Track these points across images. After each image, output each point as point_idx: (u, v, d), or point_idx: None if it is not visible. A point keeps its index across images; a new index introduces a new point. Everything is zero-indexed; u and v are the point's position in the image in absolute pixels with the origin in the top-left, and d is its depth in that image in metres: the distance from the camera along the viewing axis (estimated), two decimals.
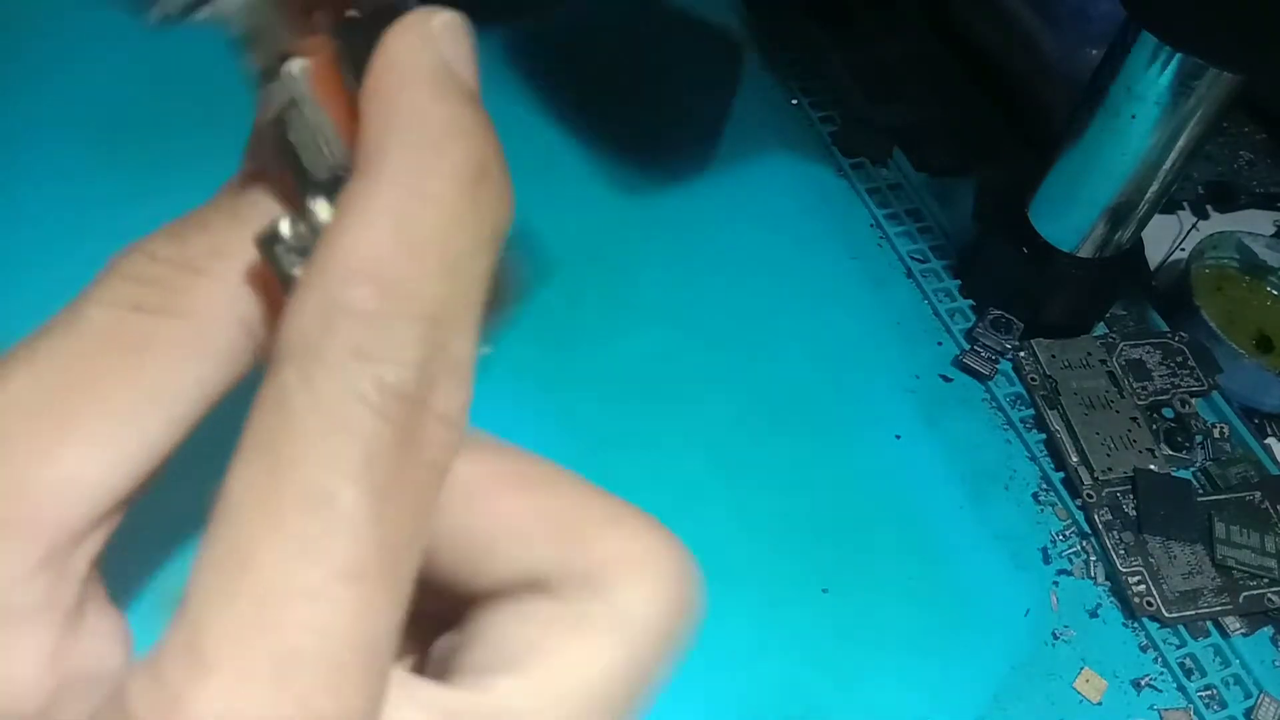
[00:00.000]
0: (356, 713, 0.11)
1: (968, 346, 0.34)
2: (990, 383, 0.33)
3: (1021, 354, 0.34)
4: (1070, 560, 0.30)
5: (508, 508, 0.13)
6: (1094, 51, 0.36)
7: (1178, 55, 0.27)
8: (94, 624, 0.13)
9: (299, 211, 0.13)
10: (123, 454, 0.13)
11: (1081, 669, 0.28)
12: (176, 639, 0.11)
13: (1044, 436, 0.32)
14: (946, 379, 0.34)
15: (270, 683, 0.11)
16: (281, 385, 0.12)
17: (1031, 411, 0.33)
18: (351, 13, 0.13)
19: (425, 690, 0.12)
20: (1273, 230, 0.41)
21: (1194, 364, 0.34)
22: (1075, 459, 0.31)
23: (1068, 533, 0.30)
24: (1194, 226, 0.40)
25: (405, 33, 0.12)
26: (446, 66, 0.12)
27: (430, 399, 0.12)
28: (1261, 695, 0.28)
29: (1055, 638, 0.28)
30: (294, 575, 0.11)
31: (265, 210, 0.14)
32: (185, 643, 0.11)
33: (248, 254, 0.13)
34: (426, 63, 0.12)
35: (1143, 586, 0.29)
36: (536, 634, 0.13)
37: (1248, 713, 0.27)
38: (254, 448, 0.12)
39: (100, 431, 0.13)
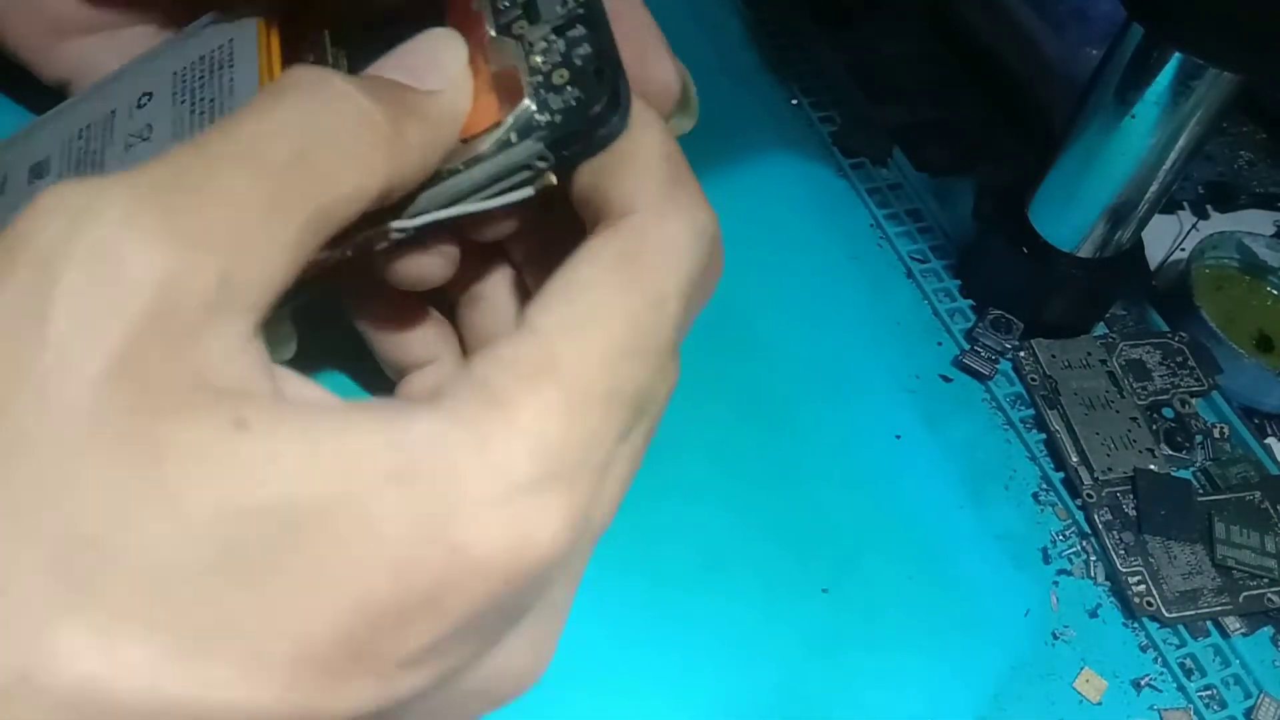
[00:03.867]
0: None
1: (968, 346, 0.34)
2: (990, 383, 0.33)
3: (1021, 354, 0.34)
4: (1070, 560, 0.30)
5: None
6: (1094, 51, 0.36)
7: (1178, 55, 0.27)
8: None
9: None
10: None
11: (1081, 669, 0.28)
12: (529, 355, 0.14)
13: (1044, 436, 0.32)
14: (946, 379, 0.34)
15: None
16: (639, 223, 0.16)
17: (1031, 411, 0.33)
18: None
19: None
20: (1273, 230, 0.41)
21: (1194, 364, 0.34)
22: (1075, 459, 0.31)
23: (1068, 533, 0.30)
24: (1194, 226, 0.40)
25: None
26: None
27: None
28: (1261, 695, 0.28)
29: (1055, 638, 0.28)
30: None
31: None
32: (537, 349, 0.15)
33: None
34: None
35: (1143, 586, 0.29)
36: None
37: (1248, 713, 0.27)
38: (603, 261, 0.16)
39: None
